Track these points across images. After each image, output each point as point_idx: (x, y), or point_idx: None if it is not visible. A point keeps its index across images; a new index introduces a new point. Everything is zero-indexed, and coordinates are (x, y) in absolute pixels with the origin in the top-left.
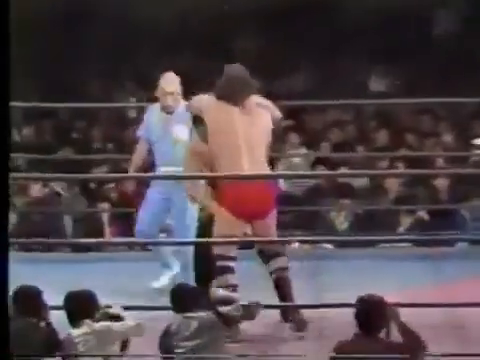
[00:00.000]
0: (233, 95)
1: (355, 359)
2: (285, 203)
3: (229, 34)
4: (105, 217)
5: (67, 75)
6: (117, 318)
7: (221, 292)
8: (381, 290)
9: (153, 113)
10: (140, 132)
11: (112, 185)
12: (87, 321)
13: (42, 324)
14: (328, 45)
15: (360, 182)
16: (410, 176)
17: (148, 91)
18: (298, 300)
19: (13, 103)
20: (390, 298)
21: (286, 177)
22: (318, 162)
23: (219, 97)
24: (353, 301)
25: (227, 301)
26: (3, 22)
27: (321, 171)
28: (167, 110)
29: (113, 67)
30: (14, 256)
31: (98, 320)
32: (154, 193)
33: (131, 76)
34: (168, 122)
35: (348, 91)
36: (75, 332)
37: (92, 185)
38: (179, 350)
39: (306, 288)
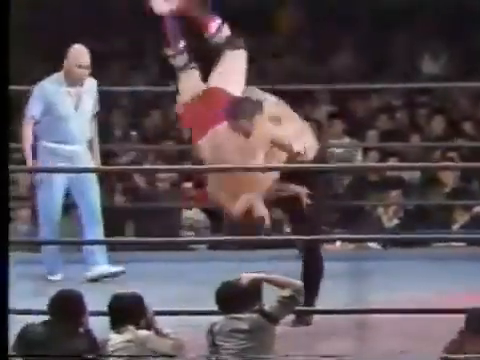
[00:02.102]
0: None
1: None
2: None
3: (265, 8)
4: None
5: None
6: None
7: None
8: (433, 293)
9: (54, 87)
10: (34, 112)
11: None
12: (131, 327)
13: (81, 330)
14: (376, 21)
15: (411, 174)
16: (467, 169)
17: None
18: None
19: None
20: (443, 303)
21: (329, 170)
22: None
23: None
24: (401, 305)
25: None
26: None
27: (368, 164)
28: (79, 83)
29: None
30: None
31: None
32: (57, 178)
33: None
34: (80, 96)
35: (398, 74)
36: (118, 338)
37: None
38: (222, 351)
39: (349, 291)
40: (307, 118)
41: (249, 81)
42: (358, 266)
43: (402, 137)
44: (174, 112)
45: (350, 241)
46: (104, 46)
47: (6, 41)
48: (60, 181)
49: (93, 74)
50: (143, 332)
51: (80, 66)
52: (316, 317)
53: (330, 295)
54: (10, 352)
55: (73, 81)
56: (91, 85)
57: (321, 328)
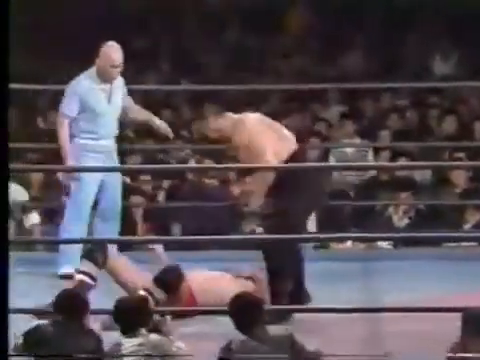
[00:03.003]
0: None
1: None
2: (338, 198)
3: (278, 9)
4: (139, 212)
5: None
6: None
7: None
8: (444, 294)
9: (89, 84)
10: (70, 110)
11: (148, 177)
12: (142, 331)
13: (85, 330)
14: (387, 21)
15: (423, 175)
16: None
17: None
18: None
19: (15, 85)
20: (454, 302)
21: (339, 169)
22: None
23: None
24: (411, 305)
25: None
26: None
27: (378, 163)
28: (111, 81)
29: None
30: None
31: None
32: (89, 178)
33: (168, 56)
34: (111, 93)
35: (408, 74)
36: (129, 342)
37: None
38: None
39: (361, 291)
40: (317, 118)
41: (260, 81)
42: (369, 266)
43: (413, 137)
44: (185, 111)
45: (361, 240)
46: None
47: (6, 41)
48: (94, 180)
49: None
50: (155, 336)
51: (113, 66)
52: (324, 316)
53: (340, 294)
54: (10, 352)
55: (105, 79)
56: (120, 81)
57: (329, 327)
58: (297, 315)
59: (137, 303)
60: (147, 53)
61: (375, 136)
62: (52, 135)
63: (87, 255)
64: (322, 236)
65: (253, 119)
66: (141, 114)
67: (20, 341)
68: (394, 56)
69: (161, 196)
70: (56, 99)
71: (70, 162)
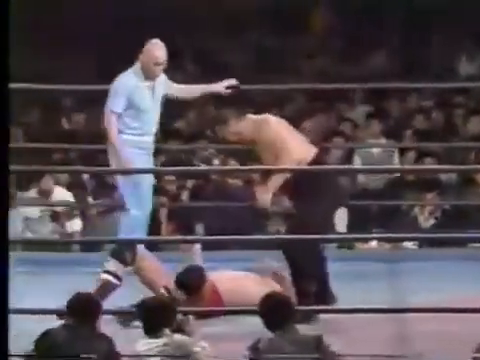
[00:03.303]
0: None
1: None
2: (363, 197)
3: (302, 9)
4: (163, 212)
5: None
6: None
7: None
8: (470, 294)
9: (134, 81)
10: (117, 106)
11: (172, 177)
12: (166, 331)
13: (97, 333)
14: (413, 21)
15: (448, 175)
16: None
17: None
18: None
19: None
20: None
21: (363, 172)
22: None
23: None
24: (437, 305)
25: None
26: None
27: (403, 166)
28: (154, 78)
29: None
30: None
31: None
32: (146, 178)
33: (192, 56)
34: (154, 89)
35: (434, 74)
36: (153, 342)
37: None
38: None
39: (386, 292)
40: (342, 118)
41: (285, 81)
42: (394, 266)
43: (438, 137)
44: (209, 111)
45: (386, 241)
46: (140, 46)
47: (6, 41)
48: (149, 179)
49: None
50: (179, 336)
51: (156, 63)
52: (349, 316)
53: (365, 294)
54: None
55: (149, 76)
56: (162, 77)
57: (353, 327)
58: (322, 316)
59: (162, 303)
60: (172, 53)
61: (401, 136)
62: (76, 136)
63: (115, 253)
64: (348, 236)
65: (276, 120)
66: (191, 90)
67: (31, 347)
68: (419, 56)
69: (185, 196)
70: (80, 100)
71: (121, 159)
